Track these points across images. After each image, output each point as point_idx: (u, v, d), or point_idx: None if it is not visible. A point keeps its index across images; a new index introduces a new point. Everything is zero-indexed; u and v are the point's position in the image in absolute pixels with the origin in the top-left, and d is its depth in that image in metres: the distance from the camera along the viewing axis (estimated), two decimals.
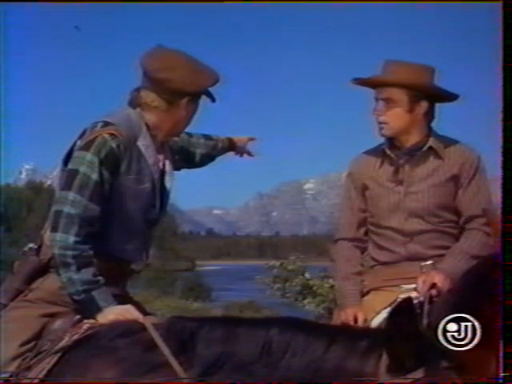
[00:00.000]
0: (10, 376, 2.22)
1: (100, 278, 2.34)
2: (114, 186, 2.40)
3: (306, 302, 12.71)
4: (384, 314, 2.78)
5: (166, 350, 1.96)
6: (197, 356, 1.92)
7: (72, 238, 2.30)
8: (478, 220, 2.89)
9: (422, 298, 2.69)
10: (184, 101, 2.50)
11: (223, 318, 2.18)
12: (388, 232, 2.97)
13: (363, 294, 3.00)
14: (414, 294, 2.77)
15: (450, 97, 3.01)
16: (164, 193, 2.59)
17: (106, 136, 2.37)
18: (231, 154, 3.17)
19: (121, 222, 2.46)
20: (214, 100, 2.61)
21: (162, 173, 2.57)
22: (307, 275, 13.00)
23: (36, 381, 2.18)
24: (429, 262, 2.80)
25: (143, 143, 2.47)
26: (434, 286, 2.74)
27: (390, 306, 2.84)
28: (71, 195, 2.33)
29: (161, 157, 2.57)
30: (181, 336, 1.98)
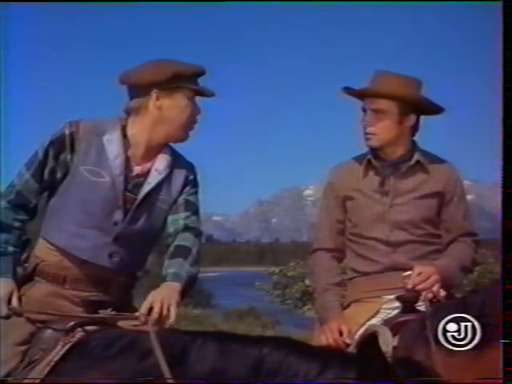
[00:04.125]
0: None
1: (12, 248, 2.42)
2: (69, 174, 2.47)
3: (305, 308, 12.71)
4: (367, 325, 2.77)
5: (163, 363, 1.90)
6: (187, 371, 1.88)
7: (3, 203, 2.48)
8: (470, 236, 2.99)
9: (415, 291, 2.71)
10: (152, 96, 2.48)
11: (216, 333, 2.14)
12: (371, 242, 2.95)
13: (344, 307, 2.97)
14: (396, 304, 2.77)
15: (436, 110, 3.03)
16: (130, 199, 2.49)
17: (65, 125, 2.50)
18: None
19: (78, 214, 2.46)
20: (195, 91, 2.52)
21: (139, 176, 2.51)
22: (307, 281, 12.96)
23: None
24: (409, 272, 2.78)
25: (108, 138, 2.49)
26: (429, 278, 2.75)
27: (373, 317, 2.84)
28: (23, 169, 2.52)
29: (147, 164, 2.52)
30: (173, 350, 1.95)
